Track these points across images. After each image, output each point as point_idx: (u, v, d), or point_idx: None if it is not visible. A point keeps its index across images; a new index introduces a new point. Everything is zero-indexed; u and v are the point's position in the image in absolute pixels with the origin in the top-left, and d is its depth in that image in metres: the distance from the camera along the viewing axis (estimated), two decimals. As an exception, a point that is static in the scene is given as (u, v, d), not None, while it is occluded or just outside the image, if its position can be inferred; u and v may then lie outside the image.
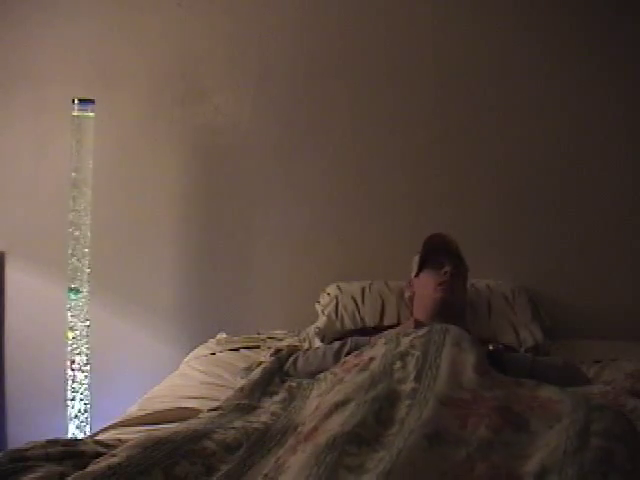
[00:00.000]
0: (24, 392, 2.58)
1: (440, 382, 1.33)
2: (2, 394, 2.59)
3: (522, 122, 2.42)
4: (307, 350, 1.90)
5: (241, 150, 2.52)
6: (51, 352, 2.49)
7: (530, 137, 2.42)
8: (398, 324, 2.07)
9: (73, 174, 2.27)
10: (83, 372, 2.29)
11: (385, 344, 1.59)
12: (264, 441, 1.27)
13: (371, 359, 1.52)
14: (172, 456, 1.15)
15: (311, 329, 2.20)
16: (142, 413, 1.65)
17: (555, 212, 2.42)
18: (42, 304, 2.56)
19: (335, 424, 1.19)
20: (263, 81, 2.50)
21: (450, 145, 2.45)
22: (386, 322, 2.14)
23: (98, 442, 1.33)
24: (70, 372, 2.28)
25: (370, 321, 2.16)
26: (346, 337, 2.00)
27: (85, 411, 2.29)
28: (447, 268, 1.91)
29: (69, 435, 2.27)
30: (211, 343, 2.28)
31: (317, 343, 2.12)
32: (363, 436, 1.14)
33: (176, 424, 1.41)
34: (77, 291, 2.27)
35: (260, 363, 1.84)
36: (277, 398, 1.59)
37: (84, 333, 2.29)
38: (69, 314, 2.28)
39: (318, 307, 2.27)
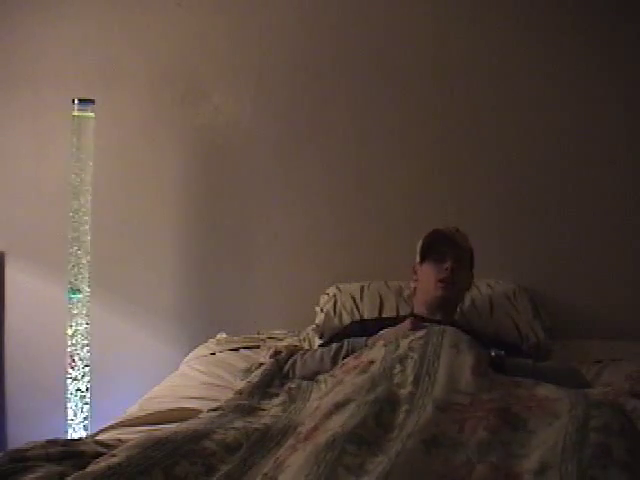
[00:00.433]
0: (24, 392, 2.58)
1: (438, 387, 1.34)
2: (2, 394, 2.59)
3: (522, 122, 2.42)
4: (305, 352, 1.89)
5: (241, 150, 2.52)
6: (51, 352, 2.49)
7: (530, 137, 2.42)
8: (397, 316, 2.07)
9: (73, 174, 2.27)
10: (83, 372, 2.29)
11: (384, 346, 1.60)
12: (264, 441, 1.27)
13: (371, 362, 1.53)
14: (172, 456, 1.15)
15: (311, 328, 2.20)
16: (142, 413, 1.65)
17: (555, 212, 2.42)
18: (42, 304, 2.56)
19: (335, 424, 1.19)
20: (263, 81, 2.50)
21: (450, 145, 2.45)
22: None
23: (98, 442, 1.33)
24: (70, 372, 2.28)
25: (369, 315, 2.16)
26: (345, 330, 2.02)
27: (85, 411, 2.29)
28: (448, 264, 1.93)
29: (69, 435, 2.27)
30: (211, 343, 2.28)
31: (316, 341, 2.12)
32: (363, 437, 1.15)
33: (176, 424, 1.41)
34: (77, 291, 2.27)
35: (260, 364, 1.84)
36: (277, 400, 1.59)
37: (84, 333, 2.29)
38: (69, 314, 2.28)
39: (318, 308, 2.27)
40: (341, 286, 2.30)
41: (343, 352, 1.79)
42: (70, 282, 2.28)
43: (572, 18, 2.38)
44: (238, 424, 1.36)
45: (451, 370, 1.40)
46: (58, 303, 2.38)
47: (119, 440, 1.36)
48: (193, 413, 1.57)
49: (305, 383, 1.67)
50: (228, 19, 2.51)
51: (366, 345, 1.78)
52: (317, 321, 2.19)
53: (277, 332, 2.35)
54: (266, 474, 1.10)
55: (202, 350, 2.22)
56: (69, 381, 2.28)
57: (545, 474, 1.02)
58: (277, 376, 1.75)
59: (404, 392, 1.34)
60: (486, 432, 1.14)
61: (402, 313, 2.14)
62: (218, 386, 1.87)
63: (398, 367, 1.46)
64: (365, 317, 2.17)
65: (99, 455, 1.21)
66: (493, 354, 1.69)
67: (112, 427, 1.56)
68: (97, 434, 1.53)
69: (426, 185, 2.46)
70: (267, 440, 1.28)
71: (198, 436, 1.24)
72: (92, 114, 2.28)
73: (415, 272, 2.04)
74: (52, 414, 2.43)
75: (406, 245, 2.21)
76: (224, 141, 2.53)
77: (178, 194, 2.55)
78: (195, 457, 1.17)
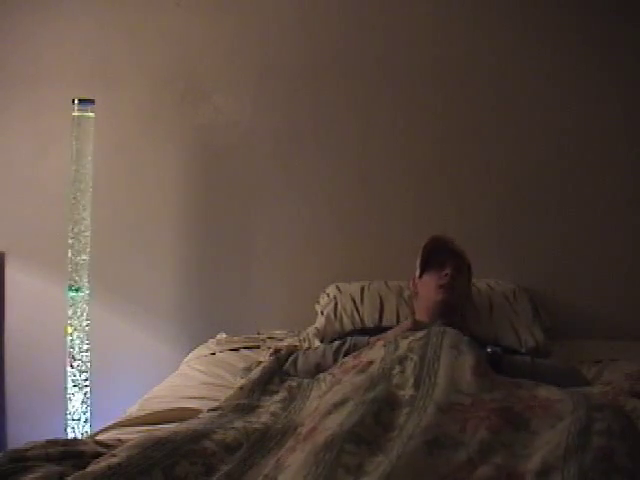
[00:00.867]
0: (24, 392, 2.58)
1: (439, 389, 1.33)
2: (2, 394, 2.59)
3: (522, 122, 2.42)
4: (307, 350, 1.90)
5: (241, 150, 2.52)
6: (51, 352, 2.49)
7: (530, 137, 2.42)
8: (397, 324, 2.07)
9: (73, 174, 2.27)
10: (83, 372, 2.29)
11: (384, 346, 1.60)
12: (264, 441, 1.27)
13: (370, 362, 1.53)
14: (172, 456, 1.15)
15: (311, 329, 2.20)
16: (142, 413, 1.65)
17: (555, 212, 2.42)
18: (42, 304, 2.56)
19: (334, 423, 1.19)
20: (263, 80, 2.50)
21: (450, 145, 2.45)
22: (385, 322, 2.13)
23: (98, 442, 1.33)
24: (70, 372, 2.28)
25: (369, 321, 2.15)
26: (346, 337, 2.00)
27: (85, 411, 2.29)
28: (448, 270, 1.93)
29: (69, 435, 2.27)
30: (211, 343, 2.28)
31: (317, 344, 2.12)
32: (362, 435, 1.15)
33: (176, 424, 1.41)
34: (77, 291, 2.27)
35: (259, 363, 1.84)
36: (277, 398, 1.59)
37: (84, 333, 2.29)
38: (69, 314, 2.28)
39: (318, 308, 2.27)
40: (341, 286, 2.30)
41: (345, 348, 1.80)
42: (70, 282, 2.28)
43: (572, 18, 2.38)
44: (238, 424, 1.36)
45: (451, 371, 1.40)
46: (58, 303, 2.38)
47: (119, 440, 1.36)
48: (193, 413, 1.57)
49: (306, 381, 1.67)
50: (228, 19, 2.51)
51: (368, 343, 1.79)
52: (317, 325, 2.18)
53: (277, 332, 2.35)
54: (267, 475, 1.10)
55: (202, 350, 2.22)
56: (69, 381, 2.28)
57: (548, 475, 1.02)
58: (277, 373, 1.75)
59: (404, 394, 1.34)
60: (488, 432, 1.14)
61: (402, 317, 2.13)
62: (218, 386, 1.87)
63: (397, 368, 1.46)
64: (365, 321, 2.16)
65: (99, 455, 1.21)
66: (489, 350, 1.69)
67: (112, 427, 1.56)
68: (97, 434, 1.53)
69: (426, 184, 2.46)
70: (267, 440, 1.28)
71: (198, 436, 1.24)
72: (92, 114, 2.28)
73: (415, 285, 2.04)
74: (52, 414, 2.43)
75: (406, 244, 2.21)
76: (224, 141, 2.53)
77: (178, 194, 2.55)
78: (195, 457, 1.17)
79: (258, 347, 2.19)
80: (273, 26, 2.49)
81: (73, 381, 2.28)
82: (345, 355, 1.76)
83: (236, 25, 2.50)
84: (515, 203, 2.44)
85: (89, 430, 2.26)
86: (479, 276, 2.11)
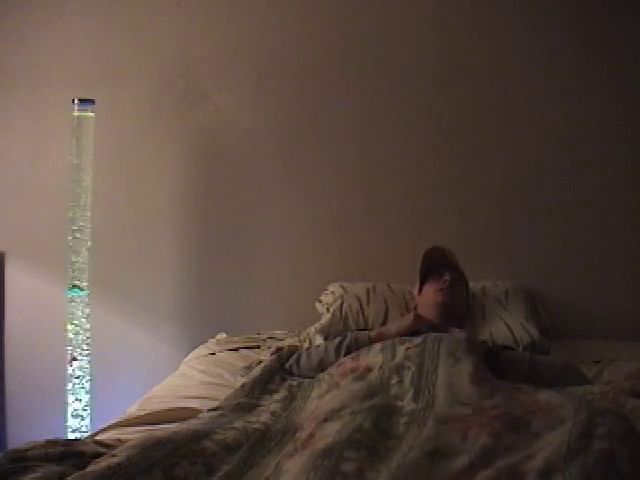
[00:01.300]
0: (24, 392, 2.58)
1: (438, 402, 1.34)
2: (2, 394, 2.59)
3: (521, 122, 2.42)
4: (308, 348, 1.91)
5: (241, 150, 2.52)
6: (51, 352, 2.49)
7: (529, 137, 2.42)
8: None
9: (73, 174, 2.27)
10: (83, 372, 2.29)
11: (381, 351, 1.60)
12: (264, 441, 1.27)
13: (367, 369, 1.53)
14: (172, 456, 1.15)
15: (312, 329, 2.19)
16: (142, 413, 1.65)
17: (555, 212, 2.42)
18: (42, 304, 2.56)
19: (332, 430, 1.19)
20: (263, 81, 2.50)
21: (450, 145, 2.45)
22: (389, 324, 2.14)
23: (98, 442, 1.33)
24: (70, 372, 2.28)
25: (374, 323, 2.16)
26: (346, 333, 2.01)
27: (85, 411, 2.29)
28: (447, 277, 1.97)
29: (69, 435, 2.27)
30: (211, 343, 2.28)
31: (318, 340, 2.12)
32: (361, 441, 1.15)
33: (176, 424, 1.42)
34: (77, 291, 2.27)
35: (260, 362, 1.84)
36: (277, 397, 1.59)
37: (84, 333, 2.29)
38: (69, 314, 2.28)
39: (319, 305, 2.27)
40: (345, 285, 2.29)
41: (346, 342, 1.81)
42: (70, 282, 2.28)
43: (572, 18, 2.38)
44: (238, 424, 1.36)
45: (450, 381, 1.40)
46: (58, 303, 2.38)
47: (119, 440, 1.36)
48: (193, 413, 1.57)
49: (306, 381, 1.67)
50: (228, 19, 2.51)
51: (369, 338, 1.80)
52: (323, 321, 2.18)
53: (277, 332, 2.35)
54: (267, 478, 1.10)
55: (202, 350, 2.22)
56: (69, 381, 2.28)
57: (549, 476, 1.02)
58: (278, 372, 1.75)
59: (403, 405, 1.35)
60: (489, 437, 1.14)
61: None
62: (218, 386, 1.87)
63: (395, 378, 1.46)
64: (370, 322, 2.16)
65: (99, 455, 1.21)
66: (490, 343, 1.69)
67: (112, 427, 1.56)
68: (97, 434, 1.53)
69: (426, 184, 2.46)
70: (267, 440, 1.28)
71: (198, 436, 1.24)
72: (92, 114, 2.28)
73: (415, 305, 2.05)
74: (52, 414, 2.43)
75: (406, 244, 2.22)
76: (224, 141, 2.53)
77: (178, 194, 2.55)
78: (195, 457, 1.17)
79: (258, 347, 2.19)
80: (273, 26, 2.49)
81: (73, 381, 2.28)
82: (347, 350, 1.78)
83: (236, 25, 2.50)
84: (515, 203, 2.44)
85: (89, 430, 2.26)
86: (479, 276, 2.11)
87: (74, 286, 2.27)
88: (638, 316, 2.36)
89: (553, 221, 2.42)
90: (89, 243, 2.29)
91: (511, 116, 2.42)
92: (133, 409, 1.74)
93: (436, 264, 2.02)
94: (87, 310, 2.29)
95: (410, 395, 1.38)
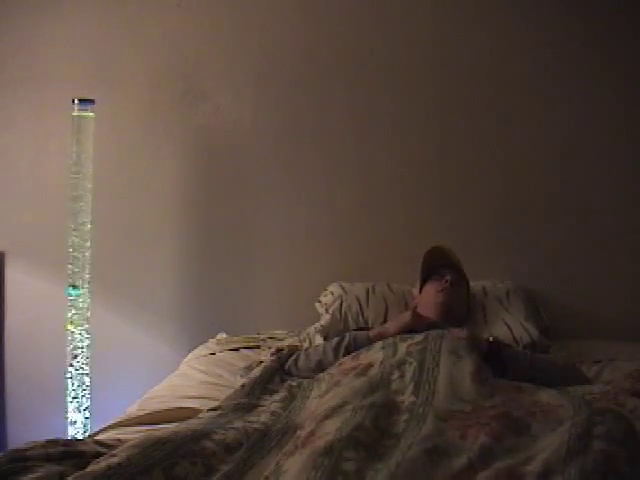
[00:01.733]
0: (24, 392, 2.58)
1: (438, 397, 1.33)
2: (2, 394, 2.59)
3: (521, 122, 2.42)
4: (307, 348, 1.91)
5: (241, 150, 2.52)
6: (51, 352, 2.49)
7: (529, 137, 2.42)
8: None
9: (73, 174, 2.27)
10: (83, 372, 2.29)
11: (383, 348, 1.60)
12: (264, 441, 1.27)
13: (369, 365, 1.53)
14: (172, 456, 1.15)
15: (311, 329, 2.20)
16: (142, 413, 1.65)
17: (555, 212, 2.42)
18: (42, 304, 2.56)
19: (332, 428, 1.19)
20: (263, 81, 2.50)
21: (450, 145, 2.45)
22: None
23: (98, 442, 1.33)
24: (70, 372, 2.28)
25: (374, 323, 2.16)
26: (344, 333, 2.01)
27: (85, 411, 2.29)
28: (447, 277, 1.98)
29: (69, 435, 2.27)
30: (211, 343, 2.28)
31: (318, 341, 2.12)
32: (361, 440, 1.15)
33: (176, 424, 1.41)
34: (77, 290, 2.27)
35: (260, 362, 1.84)
36: (277, 397, 1.59)
37: (84, 333, 2.29)
38: (69, 314, 2.28)
39: (319, 306, 2.27)
40: (345, 286, 2.30)
41: (345, 343, 1.81)
42: (70, 282, 2.28)
43: (572, 18, 2.38)
44: (238, 424, 1.36)
45: (451, 378, 1.40)
46: (58, 303, 2.38)
47: (119, 440, 1.36)
48: (193, 413, 1.57)
49: (306, 381, 1.67)
50: (228, 19, 2.51)
51: (368, 337, 1.80)
52: (322, 322, 2.19)
53: (277, 332, 2.34)
54: (267, 478, 1.10)
55: (202, 350, 2.22)
56: (69, 381, 2.28)
57: (549, 478, 1.02)
58: (278, 372, 1.75)
59: (403, 400, 1.34)
60: (488, 437, 1.14)
61: None
62: (218, 386, 1.87)
63: (396, 373, 1.46)
64: (370, 322, 2.17)
65: (99, 455, 1.21)
66: (491, 339, 1.69)
67: (112, 427, 1.56)
68: (97, 434, 1.53)
69: (426, 184, 2.46)
70: (267, 440, 1.28)
71: (198, 436, 1.24)
72: (92, 114, 2.28)
73: (416, 305, 2.05)
74: (52, 414, 2.43)
75: (405, 244, 2.22)
76: (224, 141, 2.53)
77: (178, 194, 2.55)
78: (195, 457, 1.17)
79: (258, 347, 2.19)
80: (273, 26, 2.49)
81: (73, 381, 2.28)
82: (345, 350, 1.77)
83: (236, 25, 2.50)
84: (515, 203, 2.44)
85: (89, 430, 2.27)
86: (479, 276, 2.12)
87: (74, 286, 2.27)
88: (638, 316, 2.36)
89: (553, 221, 2.42)
90: (89, 243, 2.29)
91: (511, 116, 2.42)
92: (133, 409, 1.74)
93: (437, 264, 2.02)
94: (87, 310, 2.29)
95: (410, 389, 1.38)
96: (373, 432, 1.19)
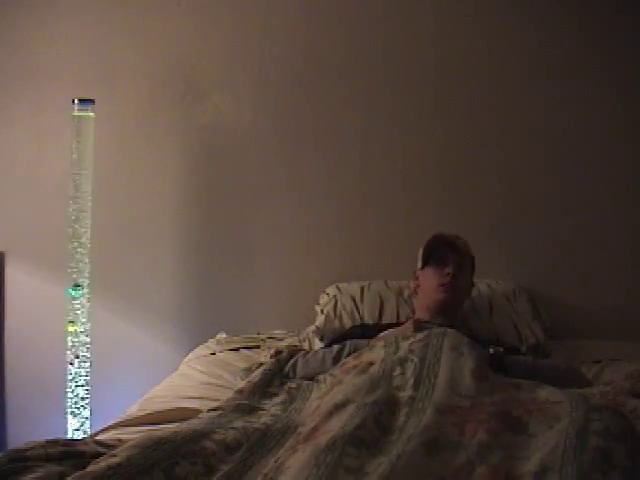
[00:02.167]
0: (24, 392, 2.58)
1: (438, 390, 1.34)
2: (2, 394, 2.59)
3: (522, 122, 2.42)
4: (306, 353, 1.90)
5: (241, 150, 2.52)
6: (51, 352, 2.49)
7: (530, 137, 2.42)
8: (397, 322, 2.07)
9: (73, 174, 2.27)
10: (83, 372, 2.29)
11: (384, 347, 1.60)
12: (264, 441, 1.27)
13: (370, 363, 1.53)
14: (172, 456, 1.15)
15: (311, 329, 2.20)
16: (142, 413, 1.65)
17: (555, 212, 2.42)
18: (42, 304, 2.56)
19: (335, 425, 1.19)
20: (263, 81, 2.50)
21: (450, 145, 2.45)
22: (385, 320, 2.14)
23: (98, 442, 1.33)
24: (70, 372, 2.28)
25: (369, 319, 2.16)
26: (346, 334, 2.01)
27: (85, 411, 2.29)
28: (449, 269, 1.94)
29: (69, 435, 2.27)
30: (211, 343, 2.28)
31: (317, 342, 2.12)
32: (363, 438, 1.15)
33: (176, 424, 1.41)
34: (77, 290, 2.27)
35: (260, 364, 1.84)
36: (277, 400, 1.59)
37: (84, 333, 2.29)
38: (69, 314, 2.28)
39: (318, 308, 2.27)
40: (341, 286, 2.30)
41: (345, 353, 1.80)
42: (70, 282, 2.28)
43: (572, 18, 2.38)
44: (238, 424, 1.36)
45: (451, 373, 1.40)
46: (58, 303, 2.38)
47: (119, 440, 1.36)
48: (193, 413, 1.57)
49: (305, 383, 1.67)
50: (228, 19, 2.51)
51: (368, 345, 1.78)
52: (317, 323, 2.19)
53: (277, 332, 2.35)
54: (266, 474, 1.10)
55: (202, 350, 2.22)
56: (69, 381, 2.28)
57: (545, 476, 1.02)
58: (277, 376, 1.75)
59: (404, 395, 1.35)
60: (486, 434, 1.14)
61: (402, 315, 2.14)
62: (218, 386, 1.87)
63: (398, 370, 1.46)
64: (365, 319, 2.17)
65: (99, 455, 1.21)
66: (492, 351, 1.69)
67: (112, 427, 1.56)
68: (97, 434, 1.53)
69: (426, 184, 2.46)
70: (267, 440, 1.28)
71: (198, 436, 1.24)
72: (92, 114, 2.28)
73: (417, 277, 2.04)
74: (52, 414, 2.43)
75: (406, 244, 2.21)
76: (224, 141, 2.53)
77: (178, 194, 2.55)
78: (195, 457, 1.17)
79: (258, 347, 2.19)
80: (273, 26, 2.49)
81: (73, 381, 2.28)
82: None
83: (236, 25, 2.50)
84: (516, 203, 2.44)
85: (89, 430, 2.26)
86: (480, 276, 2.11)
87: (74, 286, 2.27)
88: (638, 316, 2.36)
89: (553, 221, 2.42)
90: (89, 243, 2.29)
91: (512, 115, 2.42)
92: (133, 409, 1.74)
93: (441, 245, 1.98)
94: (87, 310, 2.29)
95: (411, 384, 1.38)
96: (375, 431, 1.19)
